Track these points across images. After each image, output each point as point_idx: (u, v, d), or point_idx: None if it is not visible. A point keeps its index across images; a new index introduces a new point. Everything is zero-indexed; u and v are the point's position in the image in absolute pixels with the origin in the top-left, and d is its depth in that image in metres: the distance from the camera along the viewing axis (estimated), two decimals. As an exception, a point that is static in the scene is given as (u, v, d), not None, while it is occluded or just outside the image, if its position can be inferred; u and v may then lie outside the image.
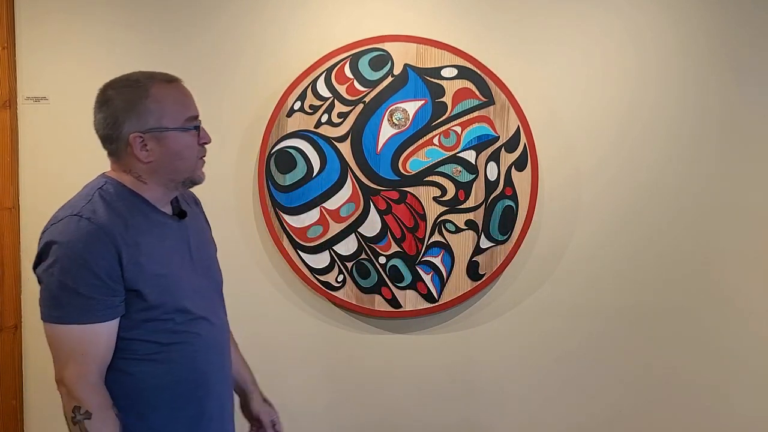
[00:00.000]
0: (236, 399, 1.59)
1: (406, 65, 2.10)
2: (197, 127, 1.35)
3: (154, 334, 1.28)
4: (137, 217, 1.29)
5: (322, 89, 2.11)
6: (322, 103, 2.12)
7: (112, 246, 1.22)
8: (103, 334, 1.23)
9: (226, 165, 2.20)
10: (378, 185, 2.13)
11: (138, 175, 1.32)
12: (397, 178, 2.12)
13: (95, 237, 1.21)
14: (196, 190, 1.61)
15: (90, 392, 1.23)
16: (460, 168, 2.11)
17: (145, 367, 1.29)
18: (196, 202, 1.56)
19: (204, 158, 1.39)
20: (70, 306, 1.21)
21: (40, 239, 1.26)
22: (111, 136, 1.30)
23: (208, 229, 1.55)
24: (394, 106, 2.11)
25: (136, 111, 1.27)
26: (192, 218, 1.46)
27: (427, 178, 2.12)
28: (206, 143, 1.38)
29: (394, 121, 2.11)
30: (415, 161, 2.12)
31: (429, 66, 2.10)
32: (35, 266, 1.26)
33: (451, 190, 2.12)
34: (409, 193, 2.13)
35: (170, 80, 1.33)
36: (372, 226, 2.14)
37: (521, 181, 2.11)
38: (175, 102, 1.31)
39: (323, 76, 2.11)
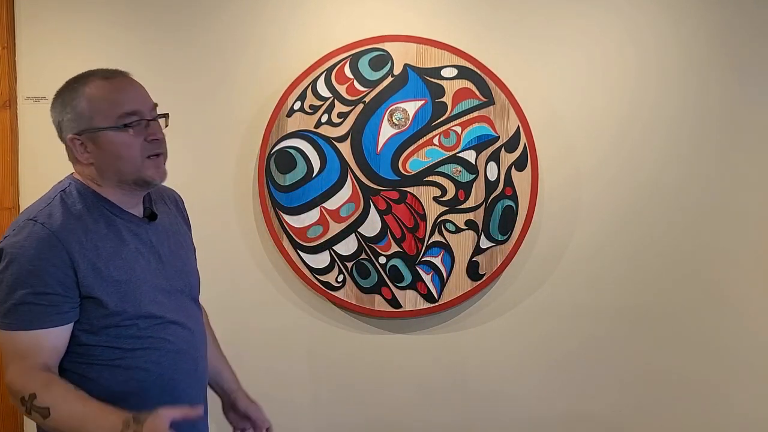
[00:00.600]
0: (218, 402, 1.53)
1: (406, 65, 2.10)
2: (130, 124, 1.24)
3: (116, 339, 1.25)
4: (99, 220, 1.26)
5: (322, 89, 2.11)
6: (322, 103, 2.12)
7: (65, 252, 1.19)
8: (50, 340, 1.20)
9: (226, 165, 2.20)
10: (378, 185, 2.13)
11: (91, 178, 1.28)
12: (397, 178, 2.12)
13: (47, 243, 1.18)
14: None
15: (28, 378, 1.18)
16: (460, 168, 2.11)
17: (108, 373, 1.25)
18: (176, 202, 1.50)
19: (158, 155, 1.29)
20: (17, 313, 1.18)
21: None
22: (61, 139, 1.29)
23: (186, 231, 1.49)
24: (394, 106, 2.11)
25: (71, 112, 1.24)
26: (166, 219, 1.40)
27: (427, 178, 2.12)
28: (155, 140, 1.27)
29: (394, 121, 2.11)
30: (415, 161, 2.12)
31: (429, 66, 2.10)
32: None
33: (451, 190, 2.12)
34: (409, 193, 2.13)
35: (108, 76, 1.26)
36: (372, 226, 2.14)
37: (521, 181, 2.11)
38: (108, 99, 1.23)
39: (323, 76, 2.11)
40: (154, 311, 1.28)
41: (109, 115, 1.23)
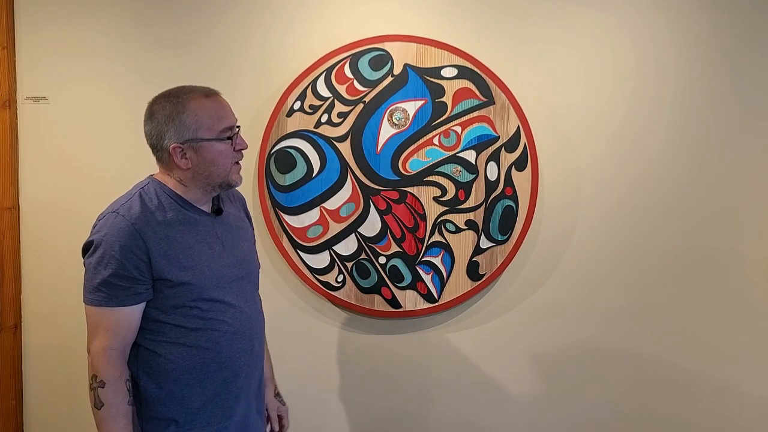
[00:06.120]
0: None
1: (406, 65, 2.10)
2: (231, 137, 1.48)
3: (182, 319, 1.44)
4: (171, 213, 1.45)
5: (322, 89, 2.11)
6: (322, 102, 2.12)
7: (142, 241, 1.39)
8: (126, 316, 1.41)
9: (226, 165, 2.20)
10: (378, 185, 2.13)
11: (180, 179, 1.48)
12: (397, 178, 2.12)
13: (127, 232, 1.38)
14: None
15: (107, 364, 1.39)
16: (460, 168, 2.11)
17: (175, 349, 1.45)
18: (242, 201, 1.73)
19: (240, 162, 1.53)
20: (101, 292, 1.39)
21: (90, 232, 1.44)
22: (156, 146, 1.47)
23: (248, 227, 1.69)
24: (394, 106, 2.11)
25: (175, 124, 1.43)
26: (231, 215, 1.61)
27: (427, 178, 2.12)
28: (242, 149, 1.52)
29: (394, 120, 2.11)
30: (415, 161, 2.12)
31: (429, 66, 2.10)
32: (83, 255, 1.44)
33: (451, 190, 2.12)
34: (409, 193, 2.13)
35: (208, 94, 1.47)
36: (372, 226, 2.14)
37: (521, 181, 2.11)
38: (211, 115, 1.45)
39: (323, 75, 2.11)
40: (215, 295, 1.47)
41: (213, 129, 1.45)
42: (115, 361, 1.40)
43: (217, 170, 1.47)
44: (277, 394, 1.77)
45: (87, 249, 1.43)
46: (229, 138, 1.48)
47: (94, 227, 1.44)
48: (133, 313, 1.42)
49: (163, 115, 1.43)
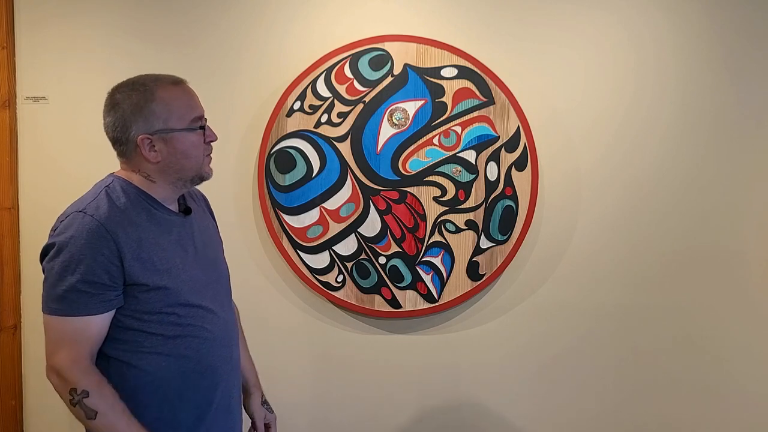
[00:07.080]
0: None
1: (406, 65, 2.10)
2: (203, 127, 1.38)
3: (159, 326, 1.32)
4: (141, 213, 1.33)
5: (322, 89, 2.11)
6: (322, 102, 2.12)
7: (113, 242, 1.26)
8: (96, 325, 1.28)
9: (226, 165, 2.20)
10: (378, 185, 2.13)
11: (147, 175, 1.36)
12: (397, 178, 2.12)
13: (96, 233, 1.25)
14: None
15: (83, 374, 1.26)
16: (460, 168, 2.11)
17: (152, 360, 1.32)
18: (205, 200, 1.62)
19: (210, 155, 1.43)
20: (66, 300, 1.25)
21: (49, 234, 1.30)
22: (120, 139, 1.34)
23: (214, 226, 1.60)
24: (394, 106, 2.11)
25: (144, 114, 1.31)
26: (198, 215, 1.50)
27: (427, 178, 2.12)
28: (212, 141, 1.42)
29: (394, 121, 2.11)
30: (415, 161, 2.12)
31: (429, 66, 2.09)
32: (41, 259, 1.30)
33: (451, 190, 2.12)
34: (409, 193, 2.13)
35: (176, 82, 1.37)
36: (372, 226, 2.14)
37: (521, 181, 2.11)
38: (181, 104, 1.35)
39: (323, 75, 2.11)
40: (192, 300, 1.36)
41: (184, 118, 1.34)
42: (89, 369, 1.27)
43: (189, 163, 1.36)
44: (264, 402, 1.67)
45: (47, 253, 1.28)
46: (201, 128, 1.37)
47: (54, 229, 1.29)
48: (103, 321, 1.28)
49: (129, 104, 1.31)
